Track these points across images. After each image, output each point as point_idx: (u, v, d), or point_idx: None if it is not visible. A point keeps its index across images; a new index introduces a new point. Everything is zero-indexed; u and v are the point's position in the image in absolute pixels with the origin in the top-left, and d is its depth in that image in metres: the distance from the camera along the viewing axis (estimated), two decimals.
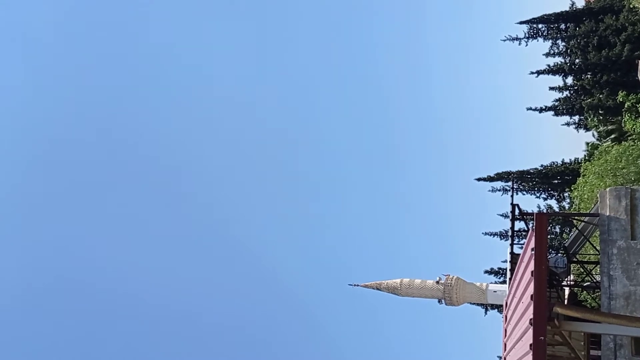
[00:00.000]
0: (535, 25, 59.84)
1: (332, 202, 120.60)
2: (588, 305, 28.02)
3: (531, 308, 12.95)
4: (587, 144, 57.66)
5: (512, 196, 28.74)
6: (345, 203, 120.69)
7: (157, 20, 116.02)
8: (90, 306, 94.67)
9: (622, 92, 41.75)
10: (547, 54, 60.06)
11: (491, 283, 42.25)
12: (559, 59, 59.58)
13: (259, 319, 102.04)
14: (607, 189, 16.37)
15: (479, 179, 58.31)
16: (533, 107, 59.88)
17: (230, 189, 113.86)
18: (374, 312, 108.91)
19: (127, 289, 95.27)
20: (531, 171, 57.83)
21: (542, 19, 59.37)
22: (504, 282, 43.41)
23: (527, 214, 23.93)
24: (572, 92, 59.40)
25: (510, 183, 54.74)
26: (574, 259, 23.73)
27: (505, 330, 20.15)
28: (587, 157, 50.79)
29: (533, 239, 14.26)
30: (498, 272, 53.73)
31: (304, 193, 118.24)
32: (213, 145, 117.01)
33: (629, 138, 38.11)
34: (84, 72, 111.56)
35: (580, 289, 26.98)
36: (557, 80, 60.04)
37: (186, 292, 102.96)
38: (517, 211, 23.75)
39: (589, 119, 56.88)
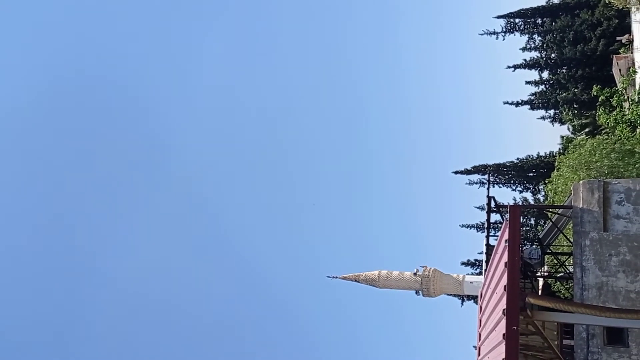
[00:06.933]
0: (512, 20, 60.37)
1: (311, 195, 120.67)
2: (561, 295, 28.46)
3: (504, 298, 13.10)
4: (562, 137, 58.43)
5: (488, 189, 29.08)
6: (323, 195, 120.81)
7: (154, 19, 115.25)
8: (85, 305, 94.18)
9: (596, 86, 42.27)
10: (524, 49, 60.68)
11: (468, 274, 42.66)
12: (535, 54, 60.23)
13: (236, 312, 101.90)
14: (581, 182, 16.57)
15: (456, 172, 58.77)
16: (509, 101, 60.53)
17: (206, 182, 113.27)
18: (352, 303, 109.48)
19: (106, 284, 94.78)
20: (507, 164, 58.40)
21: (519, 14, 59.91)
22: (480, 273, 43.87)
23: (503, 206, 24.22)
24: (547, 86, 60.08)
25: (486, 176, 55.23)
26: (548, 251, 24.06)
27: (480, 321, 20.36)
28: (561, 151, 51.37)
29: (507, 230, 14.41)
30: (474, 264, 54.25)
31: (281, 186, 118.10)
32: (188, 138, 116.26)
33: (603, 132, 38.55)
34: (81, 70, 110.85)
35: (554, 280, 27.37)
36: (533, 75, 60.74)
37: (158, 284, 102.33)
38: (493, 204, 24.03)
39: (564, 113, 57.64)
